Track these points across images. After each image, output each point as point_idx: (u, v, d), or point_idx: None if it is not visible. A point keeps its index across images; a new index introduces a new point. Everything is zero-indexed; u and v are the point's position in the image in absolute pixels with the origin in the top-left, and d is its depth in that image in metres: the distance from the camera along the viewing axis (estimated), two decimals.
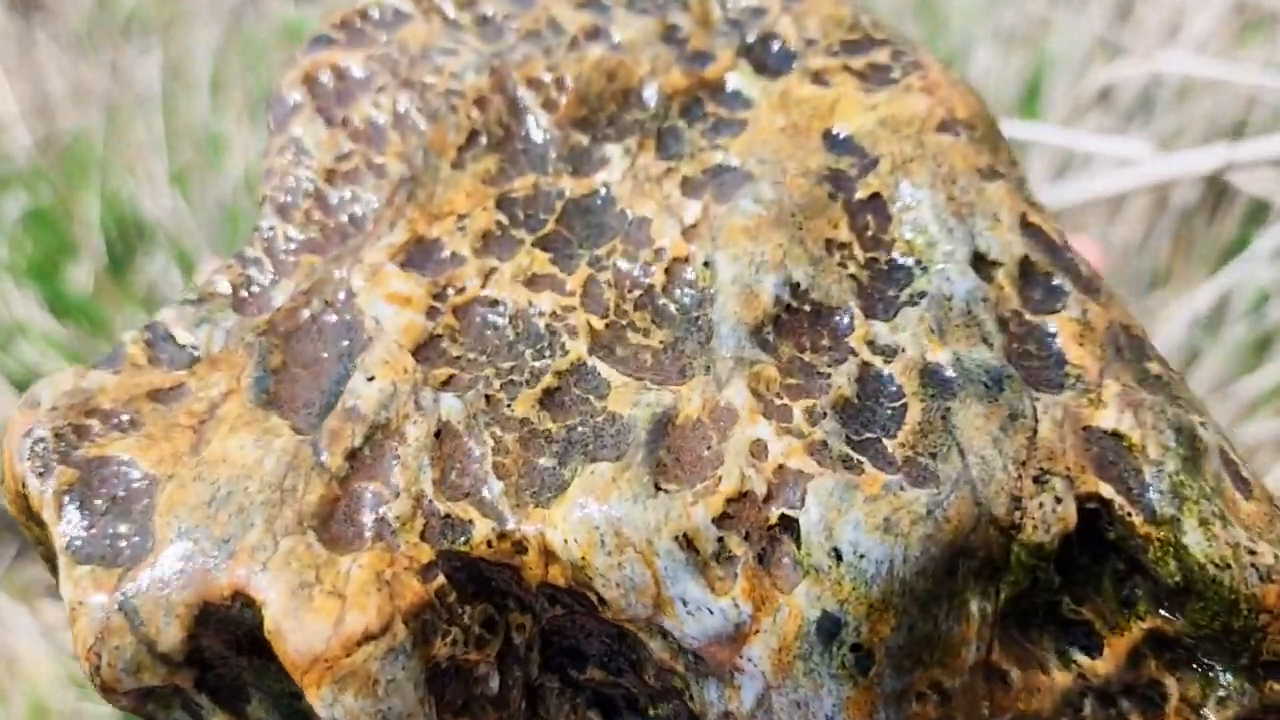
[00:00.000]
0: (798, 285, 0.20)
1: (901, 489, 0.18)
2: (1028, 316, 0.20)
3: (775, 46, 0.26)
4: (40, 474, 0.20)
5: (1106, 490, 0.19)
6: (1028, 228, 0.22)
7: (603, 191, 0.23)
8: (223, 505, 0.19)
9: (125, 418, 0.21)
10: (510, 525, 0.19)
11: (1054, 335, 0.20)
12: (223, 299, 0.23)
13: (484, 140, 0.24)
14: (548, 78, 0.24)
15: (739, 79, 0.25)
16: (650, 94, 0.25)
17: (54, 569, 0.21)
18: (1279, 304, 0.83)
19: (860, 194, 0.22)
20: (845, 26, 0.26)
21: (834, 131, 0.23)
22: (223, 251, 1.05)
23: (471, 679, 0.19)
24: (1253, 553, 0.18)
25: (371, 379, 0.20)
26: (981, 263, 0.21)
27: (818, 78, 0.25)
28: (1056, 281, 0.21)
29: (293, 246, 0.23)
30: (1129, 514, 0.19)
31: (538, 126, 0.24)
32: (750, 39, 0.26)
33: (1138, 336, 0.21)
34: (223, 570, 0.19)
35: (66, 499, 0.20)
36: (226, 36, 1.13)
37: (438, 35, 0.26)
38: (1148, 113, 0.76)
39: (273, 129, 0.26)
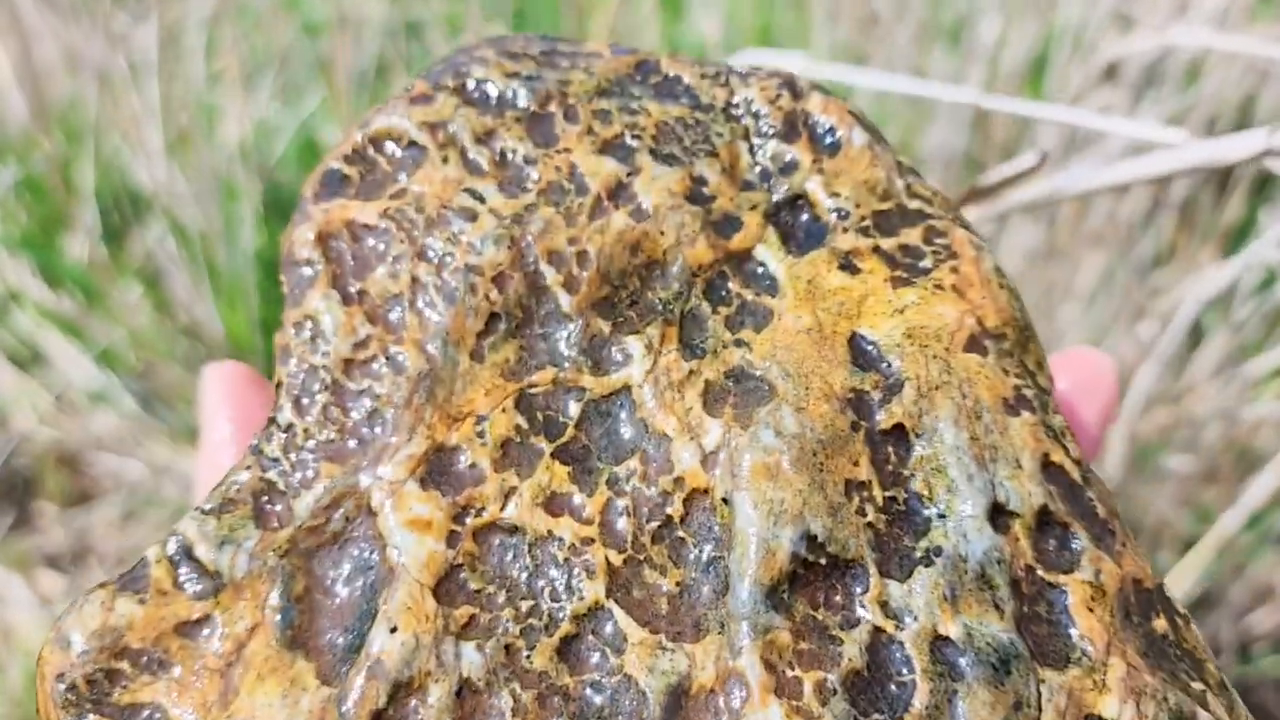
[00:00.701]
0: (815, 538, 0.21)
1: None
2: (1040, 574, 0.21)
3: (804, 216, 0.25)
4: (74, 716, 0.21)
5: None
6: (1048, 469, 0.22)
7: (624, 396, 0.23)
8: None
9: (155, 658, 0.21)
10: None
11: (1065, 597, 0.21)
12: (244, 509, 0.23)
13: (503, 325, 0.24)
14: (569, 251, 0.24)
15: (766, 253, 0.25)
16: (674, 270, 0.24)
17: None
18: None
19: (883, 423, 0.22)
20: (878, 194, 0.25)
21: (860, 337, 0.23)
22: (216, 225, 1.04)
23: None
24: None
25: (394, 630, 0.21)
26: (999, 514, 0.21)
27: (847, 261, 0.24)
28: (1073, 533, 0.21)
29: (311, 450, 0.23)
30: None
31: (558, 310, 0.24)
32: (778, 198, 0.26)
33: (1146, 590, 0.22)
34: None
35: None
36: (221, 4, 1.11)
37: (455, 185, 0.26)
38: (1158, 88, 0.75)
39: (288, 298, 0.25)
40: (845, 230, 0.25)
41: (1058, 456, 0.22)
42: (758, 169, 0.26)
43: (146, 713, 0.21)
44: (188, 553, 0.23)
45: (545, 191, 0.25)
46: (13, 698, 0.97)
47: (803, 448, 0.21)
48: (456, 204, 0.25)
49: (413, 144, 0.27)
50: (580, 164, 0.25)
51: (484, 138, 0.26)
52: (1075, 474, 0.22)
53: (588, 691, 0.20)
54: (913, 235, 0.25)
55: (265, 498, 0.23)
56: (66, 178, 1.34)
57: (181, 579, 0.22)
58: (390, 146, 0.27)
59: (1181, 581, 0.68)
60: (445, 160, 0.26)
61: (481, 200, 0.25)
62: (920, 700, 0.19)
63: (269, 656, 0.21)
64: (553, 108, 0.27)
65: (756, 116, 0.27)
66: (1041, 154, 0.32)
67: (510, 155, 0.26)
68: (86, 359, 1.03)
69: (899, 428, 0.22)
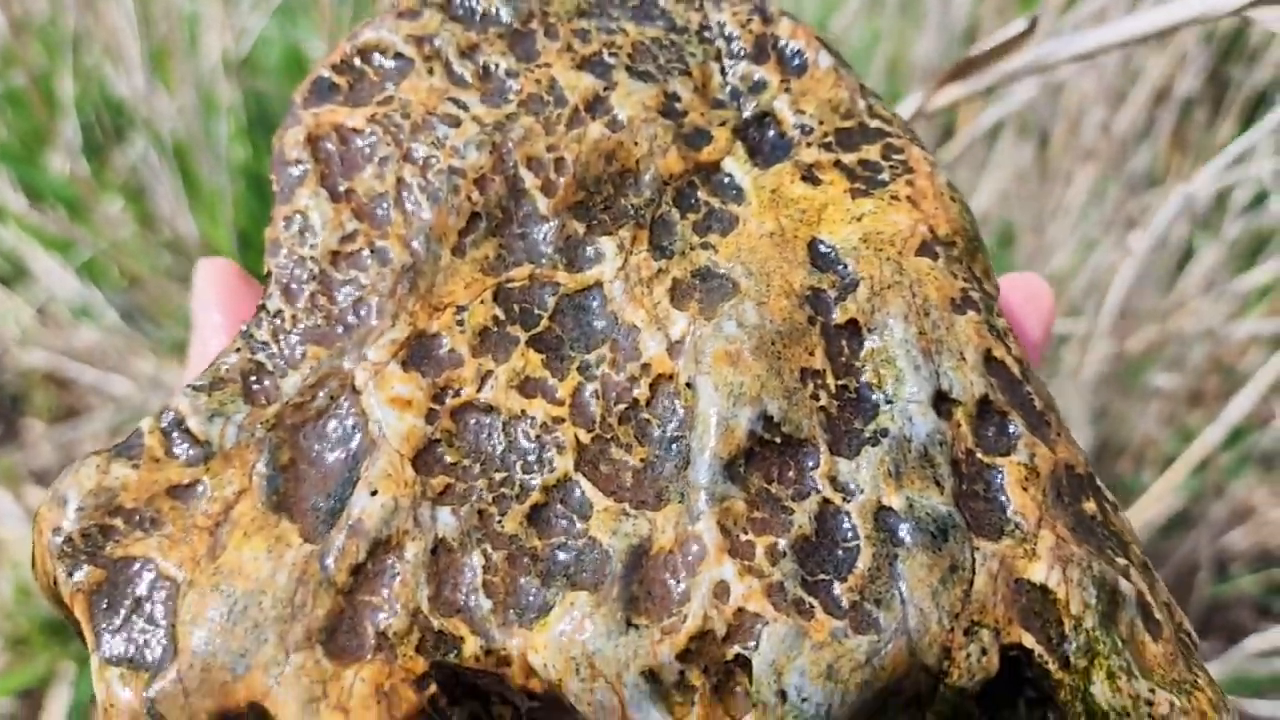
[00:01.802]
0: (771, 418, 0.22)
1: (846, 635, 0.20)
2: (979, 456, 0.23)
3: (771, 132, 0.27)
4: (70, 572, 0.22)
5: (1029, 640, 0.21)
6: (990, 363, 0.24)
7: (595, 291, 0.25)
8: (239, 619, 0.21)
9: (147, 516, 0.23)
10: (496, 642, 0.21)
11: (1001, 477, 0.22)
12: (233, 387, 0.24)
13: (483, 224, 0.25)
14: (547, 158, 0.26)
15: (733, 165, 0.26)
16: (647, 179, 0.26)
17: (83, 640, 0.23)
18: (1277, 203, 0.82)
19: (838, 318, 0.24)
20: (841, 113, 0.27)
21: (819, 241, 0.24)
22: (198, 138, 1.02)
23: None
24: (1150, 704, 0.21)
25: (375, 493, 0.22)
26: (943, 401, 0.23)
27: (809, 173, 0.26)
28: (1010, 421, 0.23)
29: (298, 334, 0.25)
30: (1046, 662, 0.21)
31: (536, 212, 0.25)
32: (747, 115, 0.27)
33: (1078, 475, 0.23)
34: (239, 683, 0.21)
35: (95, 598, 0.22)
36: None
37: (440, 95, 0.27)
38: None
39: (278, 195, 0.27)
40: (809, 145, 0.27)
41: (999, 352, 0.24)
42: (728, 88, 0.28)
43: (138, 565, 0.22)
44: (179, 424, 0.24)
45: (525, 103, 0.27)
46: (3, 610, 0.98)
47: (762, 337, 0.23)
48: (441, 111, 0.27)
49: (399, 55, 0.28)
50: (560, 78, 0.27)
51: (468, 51, 0.28)
52: (1015, 369, 0.24)
53: (555, 552, 0.22)
54: (872, 151, 0.26)
55: (254, 377, 0.25)
56: (47, 92, 1.32)
57: (173, 447, 0.24)
58: (378, 58, 0.28)
59: (1162, 498, 0.69)
60: (430, 72, 0.28)
61: (465, 109, 0.27)
62: (864, 563, 0.21)
63: (255, 517, 0.23)
64: (534, 25, 0.28)
65: (729, 39, 0.28)
66: (1032, 18, 0.31)
67: (493, 69, 0.27)
68: (69, 273, 1.02)
69: (852, 323, 0.24)
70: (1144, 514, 0.70)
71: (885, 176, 0.26)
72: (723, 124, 0.27)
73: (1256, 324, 0.68)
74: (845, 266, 0.24)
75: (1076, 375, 0.67)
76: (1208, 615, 0.99)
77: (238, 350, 0.25)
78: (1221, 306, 0.71)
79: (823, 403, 0.23)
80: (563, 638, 0.21)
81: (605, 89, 0.27)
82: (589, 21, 0.28)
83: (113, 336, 1.02)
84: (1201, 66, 0.91)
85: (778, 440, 0.23)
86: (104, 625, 0.22)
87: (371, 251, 0.25)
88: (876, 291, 0.24)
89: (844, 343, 0.24)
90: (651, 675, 0.21)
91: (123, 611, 0.22)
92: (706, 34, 0.29)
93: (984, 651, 0.21)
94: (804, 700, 0.20)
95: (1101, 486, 0.24)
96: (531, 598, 0.22)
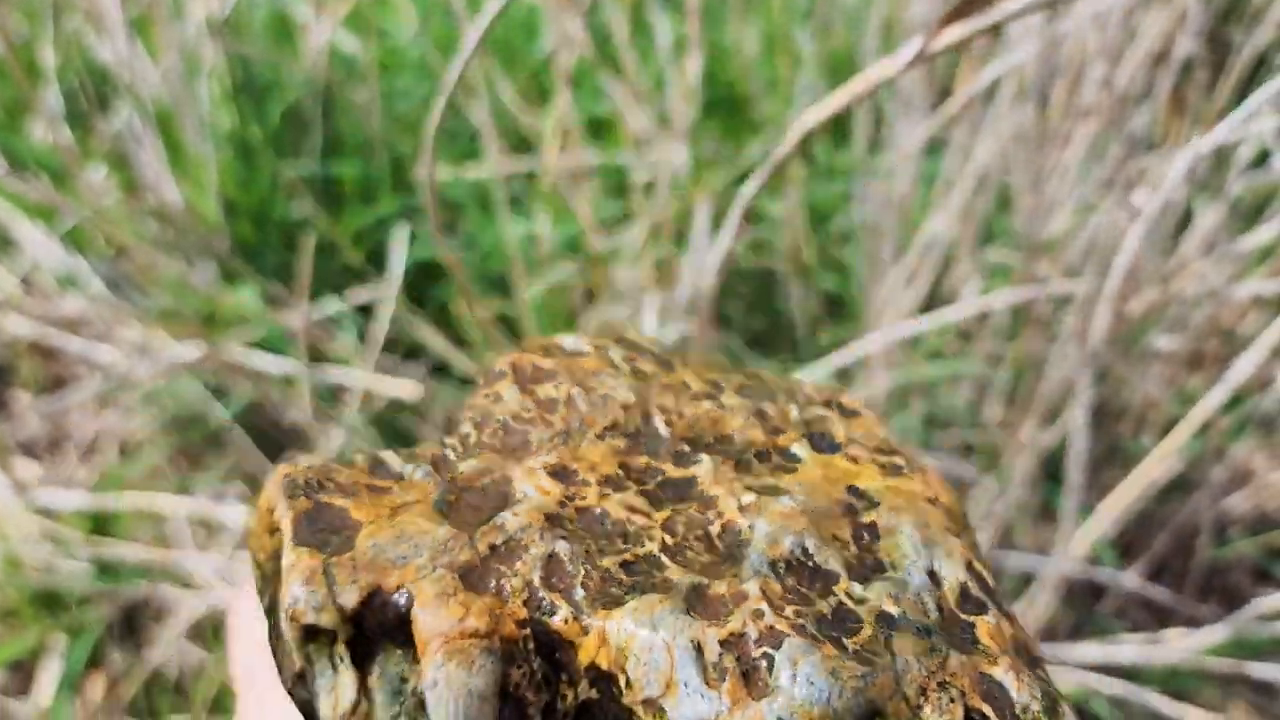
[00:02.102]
0: (806, 549, 0.30)
1: (847, 660, 0.26)
2: (959, 615, 0.30)
3: (826, 439, 0.36)
4: (287, 498, 0.29)
5: (988, 709, 0.27)
6: (970, 570, 0.31)
7: (692, 479, 0.33)
8: (403, 541, 0.28)
9: (350, 491, 0.30)
10: (583, 617, 0.28)
11: (974, 628, 0.29)
12: (423, 460, 0.32)
13: (620, 429, 0.34)
14: (673, 410, 0.35)
15: (798, 448, 0.35)
16: (737, 439, 0.35)
17: (263, 581, 0.31)
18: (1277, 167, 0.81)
19: (864, 519, 0.32)
20: (879, 440, 0.36)
21: (856, 486, 0.33)
22: (183, 104, 1.00)
23: (523, 713, 0.27)
24: None
25: (516, 515, 0.30)
26: (934, 577, 0.30)
27: (852, 460, 0.35)
28: (984, 603, 0.30)
29: (479, 447, 0.33)
30: None
31: (658, 434, 0.34)
32: (811, 431, 0.36)
33: (1026, 647, 0.30)
34: (395, 572, 0.28)
35: (300, 517, 0.29)
36: None
37: (605, 366, 0.37)
38: None
39: (482, 385, 0.36)
40: (853, 446, 0.36)
41: (979, 567, 0.31)
42: (801, 420, 0.37)
43: (337, 509, 0.30)
44: (381, 462, 0.32)
45: (666, 388, 0.37)
46: None
47: (806, 509, 0.31)
48: (605, 371, 0.37)
49: (579, 350, 0.38)
50: (690, 381, 0.38)
51: (628, 359, 0.38)
52: (992, 584, 0.31)
53: (636, 584, 0.29)
54: (899, 459, 0.35)
55: (439, 462, 0.32)
56: (28, 60, 1.30)
57: (373, 470, 0.32)
58: (564, 342, 0.38)
59: (1164, 461, 0.68)
60: (599, 359, 0.38)
61: (618, 374, 0.37)
62: (865, 634, 0.28)
63: (425, 511, 0.30)
64: (676, 364, 0.40)
65: (807, 400, 0.38)
66: None
67: (645, 371, 0.38)
68: (54, 242, 1.01)
69: (874, 524, 0.32)
70: (1146, 477, 0.69)
71: (906, 470, 0.35)
72: (795, 426, 0.36)
73: (1258, 285, 0.68)
74: (873, 497, 0.33)
75: (1081, 339, 0.66)
76: (1206, 578, 0.99)
77: (429, 448, 0.33)
78: (1223, 268, 0.71)
79: (847, 557, 0.30)
80: (636, 612, 0.27)
81: (717, 390, 0.37)
82: (712, 373, 0.39)
83: (99, 305, 1.00)
84: (1201, 27, 0.89)
85: (810, 564, 0.30)
86: (300, 528, 0.29)
87: (542, 421, 0.34)
88: (893, 509, 0.32)
89: (866, 534, 0.31)
90: (698, 648, 0.27)
91: (316, 526, 0.29)
92: (790, 390, 0.39)
93: (952, 700, 0.27)
94: (811, 684, 0.26)
95: (1048, 677, 0.30)
96: (614, 599, 0.28)
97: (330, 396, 1.03)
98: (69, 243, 1.01)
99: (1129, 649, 0.76)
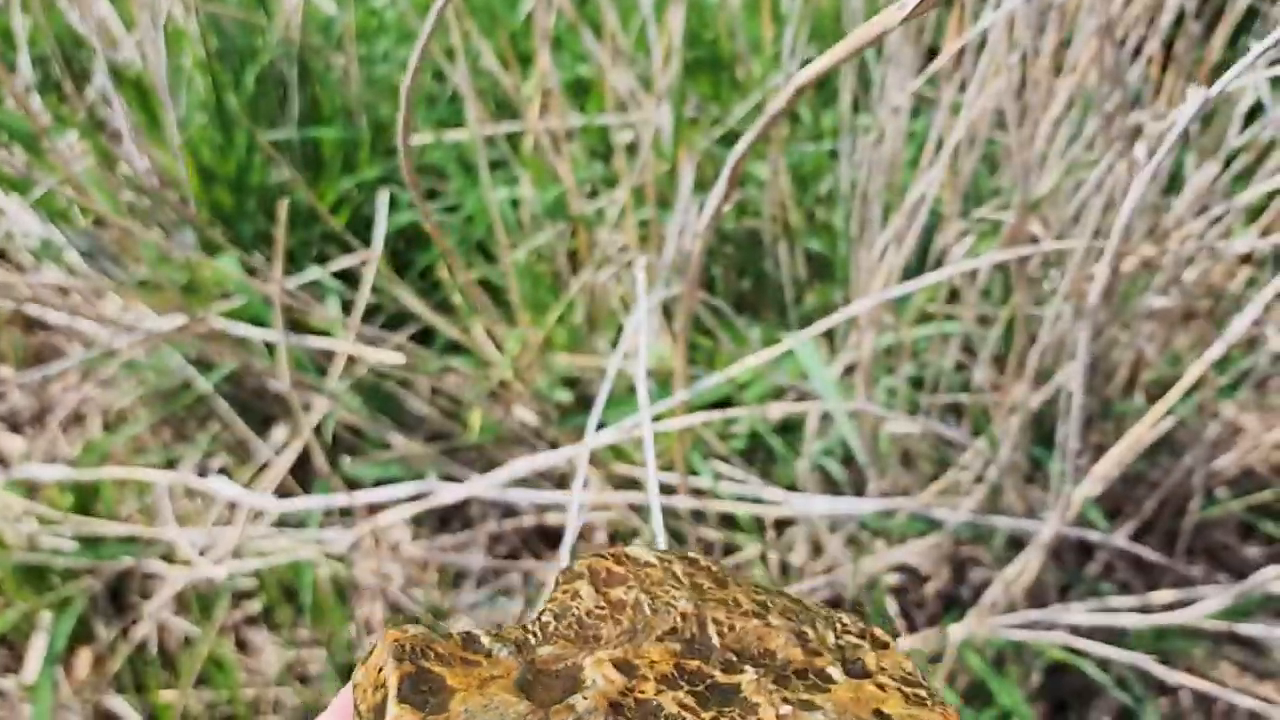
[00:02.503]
0: None
1: None
2: None
3: (859, 666, 0.39)
4: (395, 660, 0.34)
5: None
6: None
7: (737, 686, 0.37)
8: (490, 710, 0.32)
9: (447, 661, 0.34)
10: None
11: None
12: (509, 640, 0.36)
13: (678, 635, 0.38)
14: (725, 624, 0.39)
15: (833, 669, 0.38)
16: (780, 655, 0.39)
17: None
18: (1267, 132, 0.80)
19: None
20: (905, 672, 0.39)
21: (882, 710, 0.36)
22: (159, 71, 0.98)
23: None
24: None
25: (585, 698, 0.33)
26: None
27: (880, 687, 0.38)
28: None
29: (554, 634, 0.37)
30: None
31: (711, 643, 0.39)
32: (848, 654, 0.40)
33: None
34: None
35: (405, 677, 0.33)
36: None
37: (669, 578, 0.41)
38: None
39: (560, 581, 0.40)
40: (883, 673, 0.39)
41: None
42: (836, 645, 0.40)
43: (435, 677, 0.33)
44: (472, 637, 0.36)
45: (716, 605, 0.40)
46: None
47: None
48: (668, 583, 0.41)
49: (647, 562, 0.42)
50: (740, 598, 0.42)
51: (687, 574, 0.42)
52: None
53: None
54: (922, 690, 0.38)
55: (521, 644, 0.37)
56: (1, 27, 1.27)
57: (465, 645, 0.36)
58: (633, 552, 0.42)
59: (1157, 424, 0.68)
60: (662, 568, 0.42)
61: (680, 589, 0.41)
62: None
63: (507, 686, 0.34)
64: (730, 587, 0.42)
65: (842, 625, 0.41)
66: None
67: (699, 584, 0.41)
68: (29, 213, 0.99)
69: None
70: (1140, 439, 0.69)
71: (929, 703, 0.37)
72: (829, 654, 0.39)
73: (1250, 242, 0.67)
74: None
75: (1079, 298, 0.66)
76: (1195, 534, 0.99)
77: (517, 626, 0.37)
78: (1216, 225, 0.70)
79: None
80: None
81: (765, 610, 0.41)
82: (761, 594, 0.42)
83: (77, 277, 0.99)
84: None
85: None
86: (406, 688, 0.33)
87: (612, 620, 0.38)
88: None
89: None
90: None
91: (420, 688, 0.33)
92: (829, 618, 0.41)
93: None
94: None
95: None
96: None
97: (314, 365, 1.02)
98: (43, 212, 0.99)
99: (1123, 616, 0.76)
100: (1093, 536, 0.83)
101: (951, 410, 1.00)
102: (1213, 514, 0.96)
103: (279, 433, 1.12)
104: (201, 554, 0.91)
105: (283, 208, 0.57)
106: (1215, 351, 0.60)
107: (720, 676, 0.38)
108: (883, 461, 0.93)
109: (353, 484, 1.04)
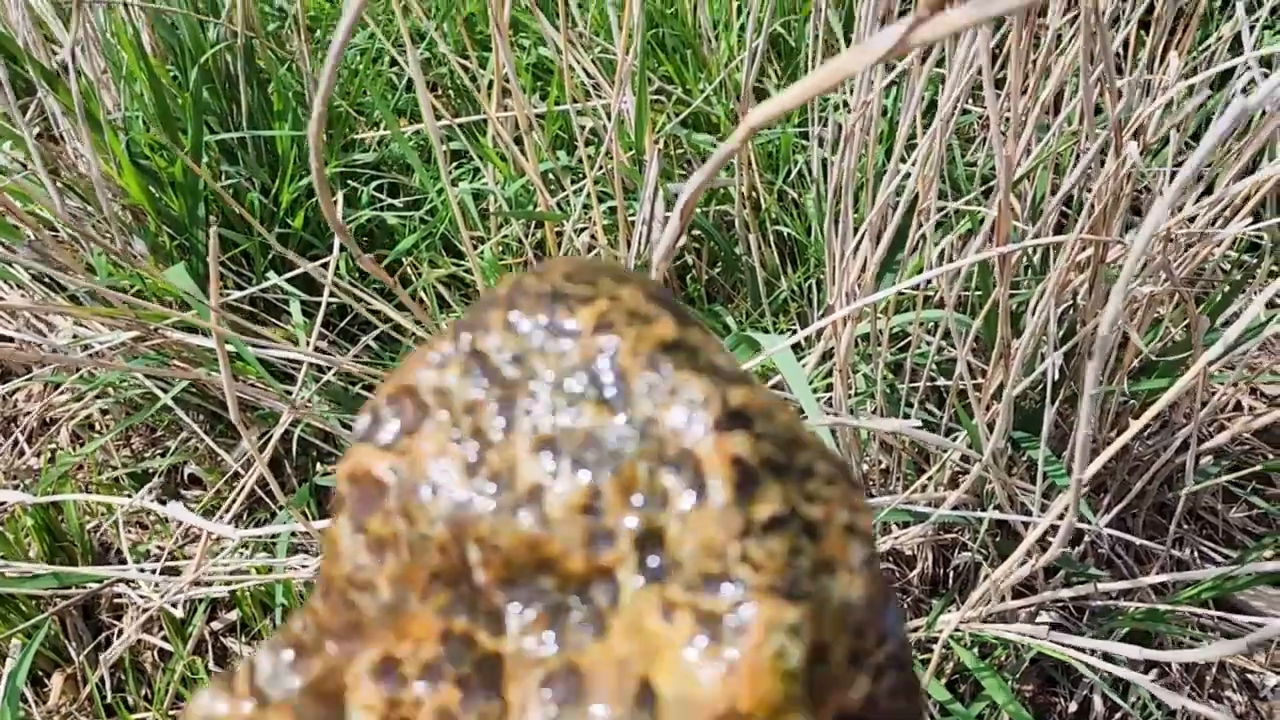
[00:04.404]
0: None
1: None
2: None
3: (658, 553, 0.30)
4: None
5: None
6: None
7: (497, 663, 0.31)
8: None
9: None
10: None
11: None
12: (290, 653, 0.32)
13: (441, 581, 0.32)
14: (489, 542, 0.31)
15: (624, 575, 0.30)
16: (559, 567, 0.31)
17: None
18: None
19: None
20: (713, 556, 0.29)
21: (648, 684, 0.29)
22: (103, 75, 0.94)
23: None
24: None
25: None
26: None
27: (667, 611, 0.29)
28: None
29: (325, 631, 0.32)
30: None
31: (475, 582, 0.32)
32: (649, 528, 0.30)
33: None
34: None
35: None
36: None
37: (433, 460, 0.32)
38: None
39: (331, 511, 0.33)
40: (675, 582, 0.29)
41: None
42: (645, 494, 0.30)
43: None
44: (253, 674, 0.32)
45: (491, 479, 0.31)
46: None
47: None
48: (431, 478, 0.32)
49: (422, 405, 0.32)
50: (519, 463, 0.31)
51: (470, 409, 0.32)
52: None
53: None
54: (722, 605, 0.29)
55: (301, 652, 0.32)
56: None
57: (249, 690, 0.31)
58: (409, 401, 0.33)
59: (1156, 411, 0.66)
60: (439, 427, 0.32)
61: (447, 479, 0.32)
62: None
63: None
64: (518, 393, 0.32)
65: (662, 442, 0.31)
66: None
67: (481, 433, 0.32)
68: None
69: None
70: (1133, 433, 0.67)
71: (723, 634, 0.29)
72: (629, 530, 0.30)
73: (1238, 228, 0.64)
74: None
75: (1058, 288, 0.63)
76: (1185, 500, 0.97)
77: (299, 628, 0.32)
78: (1211, 213, 0.67)
79: None
80: None
81: (549, 479, 0.31)
82: (562, 396, 0.32)
83: (26, 291, 0.95)
84: None
85: None
86: None
87: (372, 585, 0.32)
88: None
89: None
90: None
91: None
92: (649, 430, 0.31)
93: None
94: None
95: None
96: None
97: (281, 373, 0.99)
98: None
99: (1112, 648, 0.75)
100: (1083, 526, 0.81)
101: (932, 394, 0.98)
102: (1199, 480, 0.94)
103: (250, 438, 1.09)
104: (167, 576, 0.88)
105: (213, 237, 0.53)
106: (1215, 351, 0.58)
107: (485, 641, 0.32)
108: (864, 448, 0.91)
109: (324, 493, 1.02)
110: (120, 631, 0.96)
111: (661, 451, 0.31)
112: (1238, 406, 1.11)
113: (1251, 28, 0.83)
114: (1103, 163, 0.73)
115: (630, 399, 0.32)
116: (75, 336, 1.05)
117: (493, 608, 0.32)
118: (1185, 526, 1.01)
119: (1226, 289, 0.84)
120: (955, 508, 0.85)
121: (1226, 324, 0.90)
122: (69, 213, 0.95)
